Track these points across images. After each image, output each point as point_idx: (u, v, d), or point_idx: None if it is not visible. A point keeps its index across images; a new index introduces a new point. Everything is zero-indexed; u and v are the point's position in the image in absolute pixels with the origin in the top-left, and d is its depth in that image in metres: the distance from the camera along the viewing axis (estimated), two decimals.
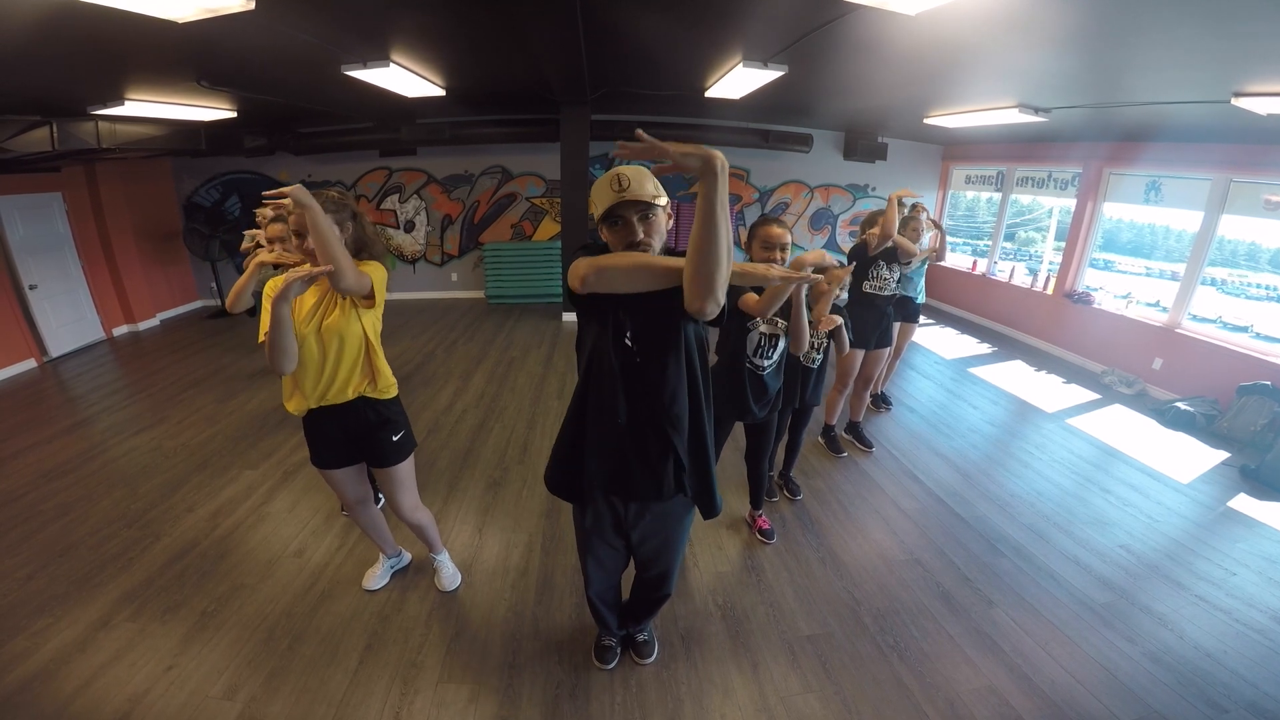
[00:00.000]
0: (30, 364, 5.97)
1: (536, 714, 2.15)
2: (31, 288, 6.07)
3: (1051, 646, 2.51)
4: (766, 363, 2.72)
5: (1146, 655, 2.48)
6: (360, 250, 2.15)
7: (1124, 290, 6.36)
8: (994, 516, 3.47)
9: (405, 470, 2.42)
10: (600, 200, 1.49)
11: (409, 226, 8.47)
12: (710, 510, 1.90)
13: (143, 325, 7.42)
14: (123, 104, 4.62)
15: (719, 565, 2.99)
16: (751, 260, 2.56)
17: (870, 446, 4.25)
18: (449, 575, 2.80)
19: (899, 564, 3.04)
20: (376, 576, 2.77)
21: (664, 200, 1.51)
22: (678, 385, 1.66)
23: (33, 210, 6.15)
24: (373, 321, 2.20)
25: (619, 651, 2.41)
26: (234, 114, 5.65)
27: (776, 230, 2.48)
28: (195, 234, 7.58)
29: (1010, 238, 8.60)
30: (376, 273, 2.10)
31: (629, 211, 1.47)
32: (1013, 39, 3.17)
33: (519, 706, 2.18)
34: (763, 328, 2.65)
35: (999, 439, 4.58)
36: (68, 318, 6.53)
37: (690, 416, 1.72)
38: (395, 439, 2.32)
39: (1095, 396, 5.51)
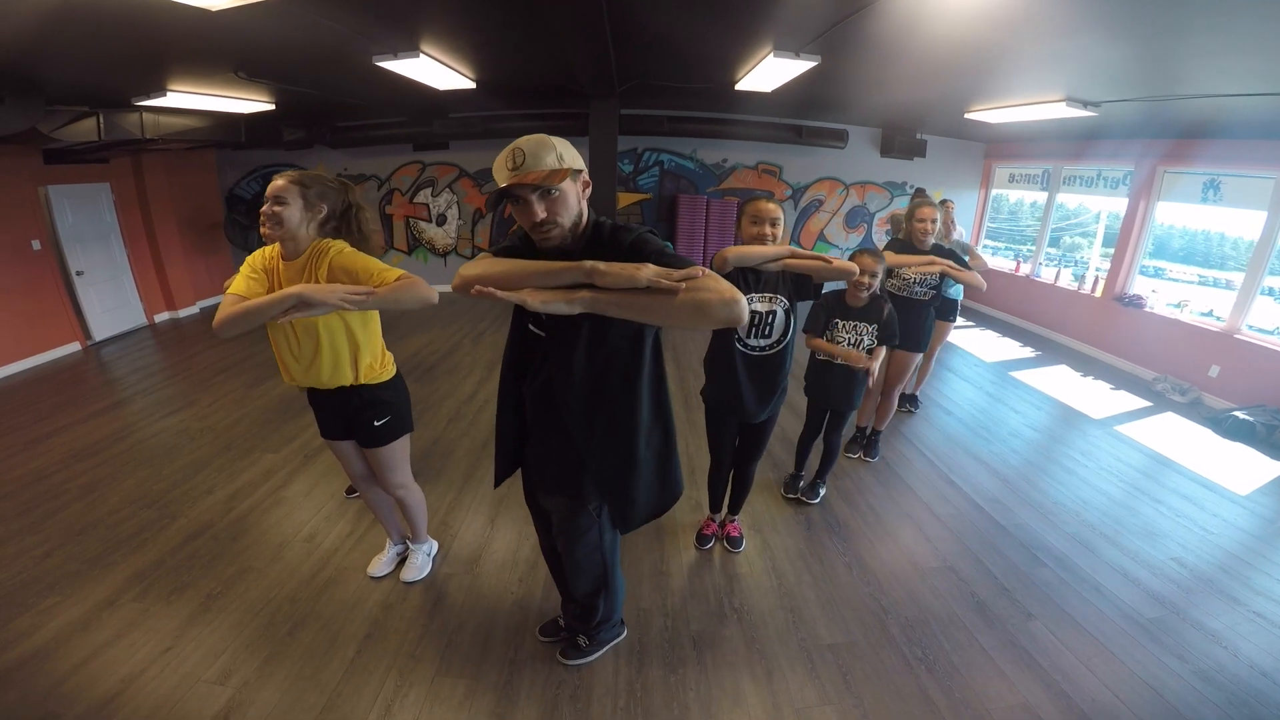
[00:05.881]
0: (74, 347, 6.16)
1: (534, 713, 2.06)
2: (79, 274, 6.28)
3: (1094, 663, 2.33)
4: (762, 341, 2.45)
5: (1197, 674, 2.29)
6: (339, 231, 2.08)
7: (1175, 298, 6.00)
8: (1035, 524, 3.27)
9: (389, 453, 2.35)
10: (497, 178, 1.36)
11: (441, 220, 8.53)
12: (623, 523, 1.78)
13: (183, 312, 7.61)
14: (164, 94, 4.72)
15: (736, 566, 2.86)
16: (742, 237, 2.39)
17: (875, 459, 3.94)
18: (418, 566, 2.69)
19: (931, 571, 2.87)
20: (382, 563, 2.72)
21: (570, 168, 1.35)
22: (586, 372, 1.53)
23: (82, 200, 6.36)
24: (358, 316, 2.10)
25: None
26: (272, 106, 5.77)
27: (764, 205, 2.31)
28: (235, 225, 7.78)
29: (1055, 243, 8.23)
30: (356, 260, 1.96)
31: (526, 191, 1.34)
32: (1055, 25, 2.98)
33: (516, 704, 2.09)
34: (756, 304, 2.38)
35: (1042, 445, 4.34)
36: (112, 303, 6.73)
37: (610, 409, 1.58)
38: (378, 424, 2.26)
39: (1146, 404, 5.19)
